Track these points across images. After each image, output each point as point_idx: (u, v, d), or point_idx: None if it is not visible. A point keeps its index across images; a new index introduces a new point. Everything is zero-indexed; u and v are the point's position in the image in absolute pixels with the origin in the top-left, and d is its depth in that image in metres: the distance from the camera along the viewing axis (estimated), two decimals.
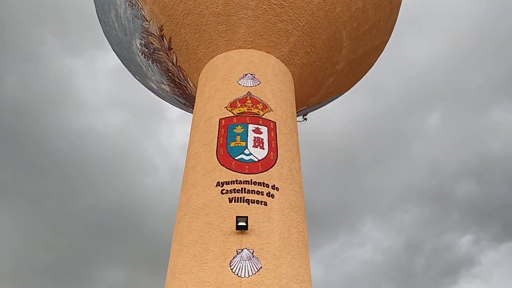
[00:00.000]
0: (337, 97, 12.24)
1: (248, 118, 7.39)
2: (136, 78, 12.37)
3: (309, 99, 10.56)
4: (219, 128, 7.32)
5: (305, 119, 10.50)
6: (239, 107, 7.57)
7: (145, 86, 12.42)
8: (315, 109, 11.93)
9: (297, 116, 9.54)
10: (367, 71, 11.53)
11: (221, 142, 7.13)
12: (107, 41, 11.97)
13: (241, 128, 7.24)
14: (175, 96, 11.11)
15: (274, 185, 6.61)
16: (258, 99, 7.73)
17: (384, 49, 11.43)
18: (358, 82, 11.92)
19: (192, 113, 9.78)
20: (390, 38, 11.24)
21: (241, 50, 8.72)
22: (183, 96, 10.74)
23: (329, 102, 12.22)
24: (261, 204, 6.31)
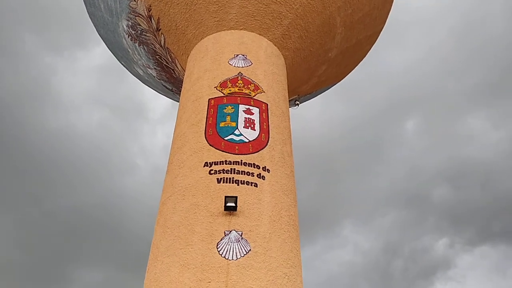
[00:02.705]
0: (327, 88, 12.01)
1: (239, 98, 7.07)
2: (122, 64, 11.91)
3: (301, 87, 10.30)
4: (208, 108, 6.98)
5: (297, 104, 10.22)
6: (229, 87, 7.24)
7: (131, 72, 11.98)
8: (306, 100, 11.67)
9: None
10: (359, 62, 11.34)
11: (210, 122, 6.78)
12: (92, 25, 11.51)
13: (232, 108, 6.91)
14: (162, 81, 10.71)
15: (265, 166, 6.30)
16: (249, 80, 7.42)
17: (377, 41, 11.26)
18: (349, 74, 11.73)
19: (178, 101, 9.41)
20: (383, 29, 11.08)
21: (232, 31, 8.40)
22: (170, 80, 10.35)
23: (320, 93, 11.98)
24: (251, 185, 5.98)
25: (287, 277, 5.36)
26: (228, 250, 5.24)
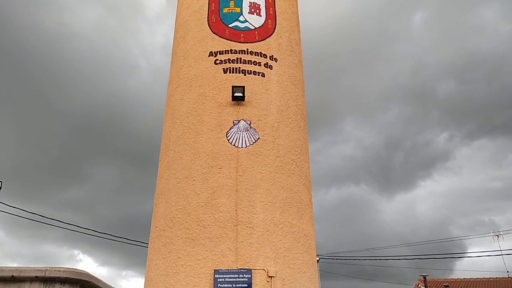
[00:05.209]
0: None
1: None
2: None
3: None
4: None
5: None
6: None
7: None
8: None
9: None
10: None
11: (212, 8, 6.34)
12: None
13: None
14: None
15: (272, 55, 6.06)
16: None
17: None
18: None
19: None
20: None
21: None
22: None
23: None
24: (259, 75, 5.84)
25: (294, 163, 5.55)
26: (238, 139, 5.34)
